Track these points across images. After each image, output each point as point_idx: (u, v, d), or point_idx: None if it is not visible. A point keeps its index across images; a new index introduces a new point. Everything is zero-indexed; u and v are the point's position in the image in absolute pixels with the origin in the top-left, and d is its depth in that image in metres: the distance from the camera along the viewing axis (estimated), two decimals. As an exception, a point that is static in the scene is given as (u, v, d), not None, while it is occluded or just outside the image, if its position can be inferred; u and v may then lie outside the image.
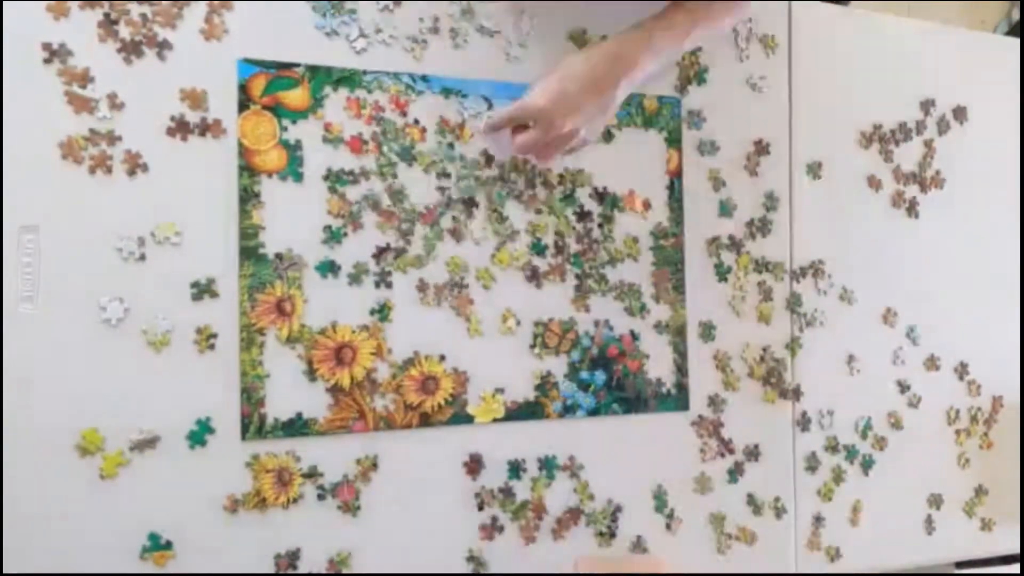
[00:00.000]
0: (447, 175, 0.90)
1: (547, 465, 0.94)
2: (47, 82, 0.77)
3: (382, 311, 0.87)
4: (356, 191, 0.87)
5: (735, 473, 1.03)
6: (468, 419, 0.90)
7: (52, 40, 0.77)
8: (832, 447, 1.09)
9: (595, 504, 0.96)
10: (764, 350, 1.05)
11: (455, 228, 0.90)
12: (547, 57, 0.95)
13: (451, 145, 0.90)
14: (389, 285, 0.88)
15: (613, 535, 0.97)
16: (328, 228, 0.85)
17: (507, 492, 0.92)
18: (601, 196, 0.97)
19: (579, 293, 0.96)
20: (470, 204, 0.91)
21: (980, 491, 1.19)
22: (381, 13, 0.88)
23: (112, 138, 0.78)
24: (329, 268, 0.85)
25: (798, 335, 1.08)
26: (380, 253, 0.87)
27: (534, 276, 0.94)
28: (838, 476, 1.09)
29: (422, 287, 0.89)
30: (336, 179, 0.86)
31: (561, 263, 0.95)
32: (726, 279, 1.04)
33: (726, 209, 1.04)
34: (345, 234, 0.86)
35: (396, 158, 0.88)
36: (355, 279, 0.86)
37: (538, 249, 0.94)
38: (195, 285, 0.81)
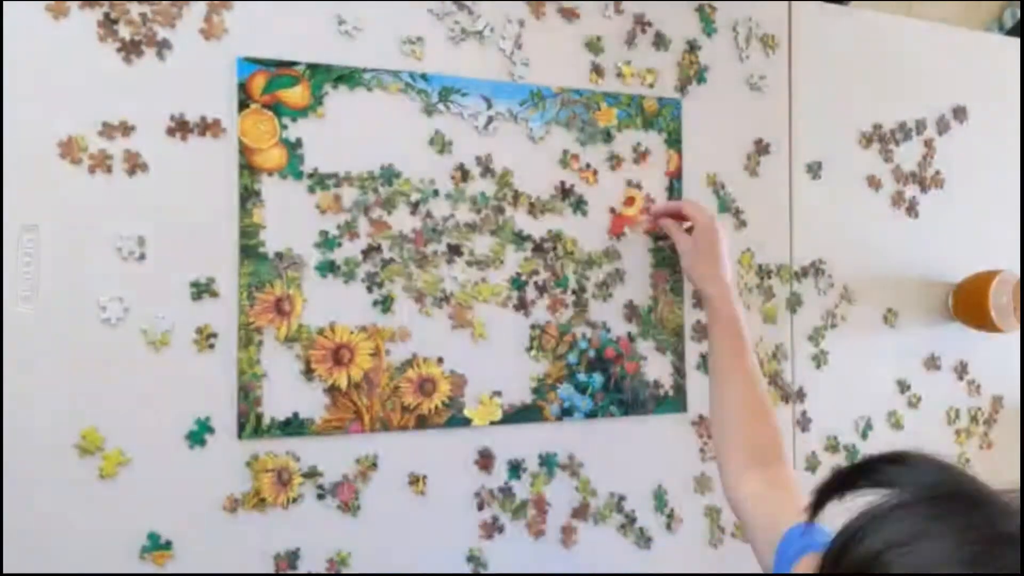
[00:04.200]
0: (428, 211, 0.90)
1: (547, 462, 0.94)
2: (47, 82, 0.77)
3: (384, 304, 0.87)
4: (354, 193, 0.87)
5: (735, 473, 1.03)
6: (465, 422, 0.90)
7: (52, 40, 0.77)
8: (832, 447, 1.09)
9: (599, 501, 0.96)
10: (764, 351, 1.05)
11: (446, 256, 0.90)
12: (548, 58, 0.95)
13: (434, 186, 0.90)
14: (385, 285, 0.87)
15: (633, 520, 0.97)
16: (325, 231, 0.85)
17: (507, 492, 0.92)
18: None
19: (577, 300, 0.96)
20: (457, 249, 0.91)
21: (980, 491, 1.19)
22: (383, 11, 0.89)
23: (112, 138, 0.78)
24: (329, 268, 0.85)
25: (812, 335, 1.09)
26: (368, 251, 0.87)
27: (522, 305, 0.93)
28: (838, 476, 1.09)
29: (419, 296, 0.89)
30: (335, 180, 0.86)
31: (559, 295, 0.95)
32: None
33: (725, 208, 1.04)
34: (340, 242, 0.86)
35: (377, 182, 0.88)
36: (354, 279, 0.86)
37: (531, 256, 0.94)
38: (195, 285, 0.81)
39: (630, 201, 0.99)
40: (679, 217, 0.96)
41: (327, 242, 0.85)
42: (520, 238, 0.93)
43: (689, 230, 0.95)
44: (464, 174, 0.91)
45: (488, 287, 0.91)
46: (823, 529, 0.66)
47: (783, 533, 0.70)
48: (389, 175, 0.88)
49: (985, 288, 1.10)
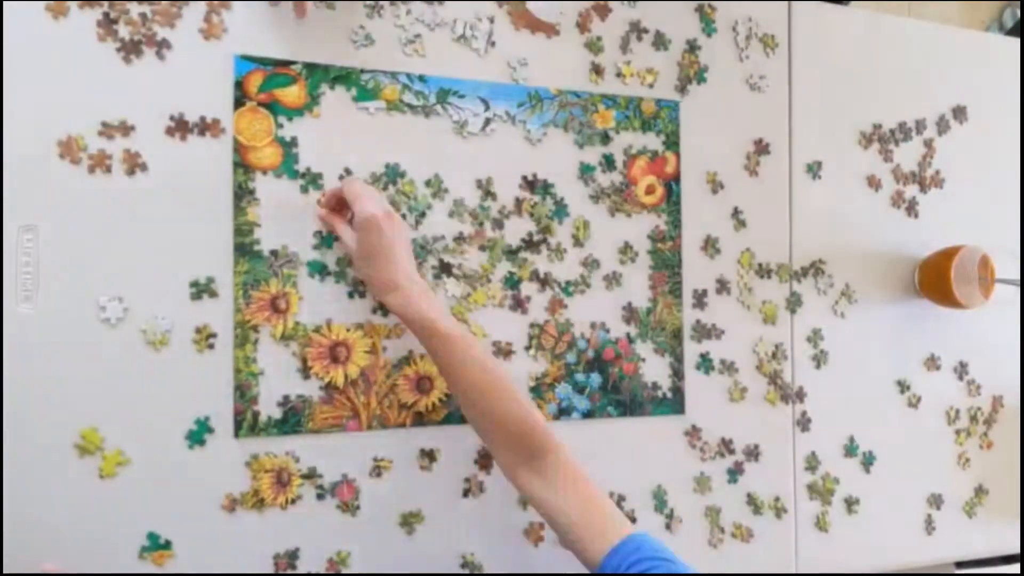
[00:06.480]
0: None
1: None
2: (47, 81, 0.77)
3: (383, 308, 0.87)
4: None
5: (735, 473, 1.03)
6: (462, 420, 0.90)
7: (52, 40, 0.77)
8: (832, 447, 1.09)
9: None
10: (763, 351, 1.05)
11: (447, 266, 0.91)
12: (546, 59, 0.96)
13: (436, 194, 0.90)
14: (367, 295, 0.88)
15: (633, 520, 0.98)
16: (320, 231, 0.85)
17: (506, 491, 0.92)
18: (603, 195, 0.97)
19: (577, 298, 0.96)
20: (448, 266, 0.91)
21: (980, 491, 1.19)
22: (380, 11, 0.89)
23: (111, 137, 0.79)
24: (320, 269, 0.85)
25: (811, 336, 1.09)
26: None
27: (517, 304, 0.94)
28: (838, 476, 1.09)
29: None
30: (330, 179, 0.86)
31: (557, 294, 0.95)
32: (724, 281, 1.04)
33: (725, 208, 1.04)
34: (333, 242, 0.86)
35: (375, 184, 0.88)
36: (345, 279, 0.86)
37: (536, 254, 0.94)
38: (194, 284, 0.81)
39: (651, 189, 0.99)
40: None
41: (324, 241, 0.85)
42: (512, 252, 0.93)
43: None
44: (467, 186, 0.92)
45: (481, 293, 0.91)
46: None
47: (608, 549, 0.71)
48: (391, 176, 0.88)
49: (947, 264, 1.09)
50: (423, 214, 0.89)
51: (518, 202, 0.93)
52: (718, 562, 1.02)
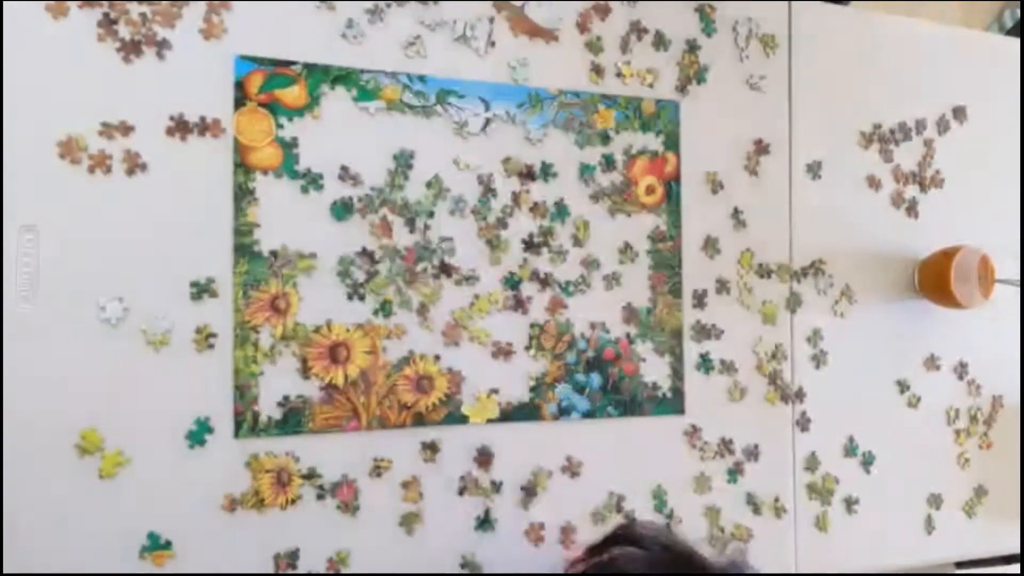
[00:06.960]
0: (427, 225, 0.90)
1: (546, 461, 0.94)
2: (47, 82, 0.77)
3: (384, 311, 0.87)
4: (348, 194, 0.87)
5: (735, 473, 1.03)
6: (463, 419, 0.90)
7: (52, 40, 0.77)
8: (832, 448, 1.09)
9: (599, 501, 0.96)
10: (763, 351, 1.05)
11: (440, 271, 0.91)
12: (547, 59, 0.96)
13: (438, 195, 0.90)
14: (367, 299, 0.87)
15: (633, 521, 0.97)
16: (318, 232, 0.85)
17: (506, 490, 0.92)
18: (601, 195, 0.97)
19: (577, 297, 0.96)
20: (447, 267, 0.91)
21: (980, 491, 1.19)
22: (381, 12, 0.89)
23: (111, 137, 0.79)
24: (323, 267, 0.85)
25: (810, 335, 1.09)
26: (361, 255, 0.87)
27: (519, 304, 0.94)
28: (838, 476, 1.09)
29: (421, 310, 0.89)
30: (329, 180, 0.86)
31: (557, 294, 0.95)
32: (724, 281, 1.04)
33: (725, 209, 1.04)
34: (335, 243, 0.86)
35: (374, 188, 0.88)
36: (349, 276, 0.86)
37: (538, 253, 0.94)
38: (194, 285, 0.81)
39: (651, 189, 0.99)
40: None
41: (323, 242, 0.85)
42: (512, 252, 0.93)
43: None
44: (468, 183, 0.92)
45: (484, 300, 0.91)
46: None
47: None
48: (391, 176, 0.88)
49: (947, 264, 1.09)
50: (423, 215, 0.89)
51: (518, 202, 0.93)
52: (718, 562, 1.02)
